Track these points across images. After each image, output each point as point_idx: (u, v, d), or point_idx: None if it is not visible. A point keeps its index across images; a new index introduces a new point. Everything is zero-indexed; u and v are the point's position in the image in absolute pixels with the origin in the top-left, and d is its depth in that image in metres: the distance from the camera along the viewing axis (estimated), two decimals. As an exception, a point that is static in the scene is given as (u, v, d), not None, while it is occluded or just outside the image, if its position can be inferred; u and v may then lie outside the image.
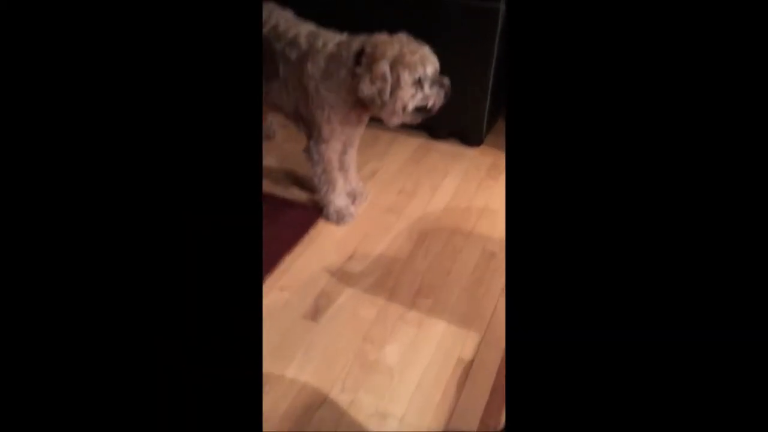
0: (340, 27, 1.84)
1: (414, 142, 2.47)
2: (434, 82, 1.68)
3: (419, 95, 1.66)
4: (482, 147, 2.52)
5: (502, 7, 2.13)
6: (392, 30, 1.73)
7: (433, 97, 1.68)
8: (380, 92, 1.64)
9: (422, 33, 1.76)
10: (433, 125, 2.39)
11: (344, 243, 1.91)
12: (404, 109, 1.66)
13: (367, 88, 1.65)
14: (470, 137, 2.50)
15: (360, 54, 1.67)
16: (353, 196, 2.02)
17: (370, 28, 1.78)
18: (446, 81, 1.69)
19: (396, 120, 1.71)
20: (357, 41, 1.70)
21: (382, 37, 1.67)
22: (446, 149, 2.49)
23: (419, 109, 1.70)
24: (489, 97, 2.36)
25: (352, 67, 1.68)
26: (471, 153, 2.48)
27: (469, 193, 2.23)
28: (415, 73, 1.64)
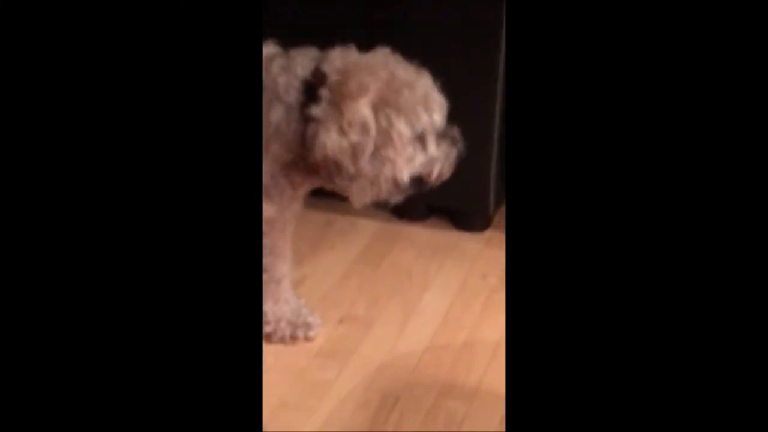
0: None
1: (371, 227, 1.87)
2: (443, 137, 1.29)
3: (420, 158, 1.25)
4: (489, 233, 1.91)
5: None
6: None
7: (440, 161, 1.29)
8: (355, 151, 1.20)
9: (402, 38, 1.38)
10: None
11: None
12: (394, 181, 1.26)
13: (332, 144, 1.19)
14: (469, 216, 1.90)
15: (316, 83, 1.23)
16: (293, 327, 1.52)
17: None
18: (456, 131, 1.32)
19: (370, 198, 1.31)
20: (303, 59, 1.28)
21: (353, 57, 1.26)
22: (427, 238, 1.90)
23: (415, 180, 1.32)
24: (495, 151, 1.83)
25: (298, 105, 1.23)
26: (470, 244, 1.89)
27: (471, 316, 1.64)
28: (418, 122, 1.23)
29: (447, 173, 1.33)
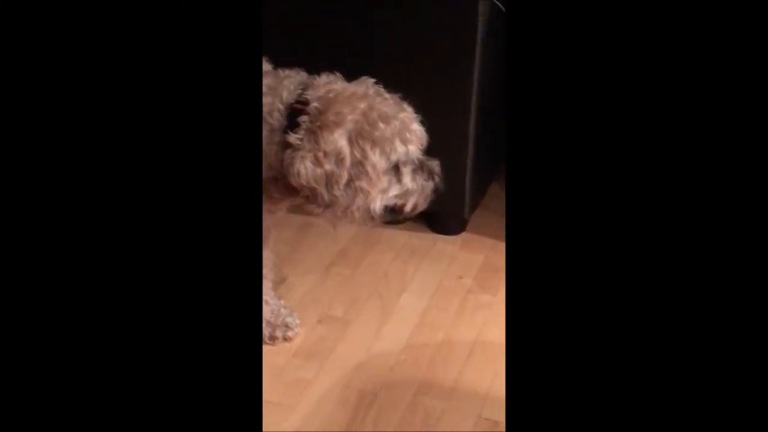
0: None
1: (349, 230, 1.76)
2: (420, 168, 1.20)
3: (394, 189, 1.18)
4: (465, 235, 1.83)
5: (481, 16, 1.69)
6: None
7: (416, 194, 1.21)
8: (329, 180, 1.14)
9: (370, 61, 1.37)
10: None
11: None
12: (367, 211, 1.20)
13: (308, 172, 1.12)
14: (444, 219, 1.81)
15: (299, 110, 1.16)
16: (272, 327, 1.46)
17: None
18: (436, 165, 1.23)
19: (343, 223, 1.27)
20: (290, 82, 1.20)
21: (335, 86, 1.18)
22: (404, 240, 1.81)
23: (391, 210, 1.26)
24: (471, 157, 1.73)
25: (278, 128, 1.17)
26: (446, 246, 1.80)
27: (447, 317, 1.56)
28: (393, 153, 1.16)
29: (422, 205, 1.27)
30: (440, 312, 1.60)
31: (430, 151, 1.28)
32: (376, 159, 1.16)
